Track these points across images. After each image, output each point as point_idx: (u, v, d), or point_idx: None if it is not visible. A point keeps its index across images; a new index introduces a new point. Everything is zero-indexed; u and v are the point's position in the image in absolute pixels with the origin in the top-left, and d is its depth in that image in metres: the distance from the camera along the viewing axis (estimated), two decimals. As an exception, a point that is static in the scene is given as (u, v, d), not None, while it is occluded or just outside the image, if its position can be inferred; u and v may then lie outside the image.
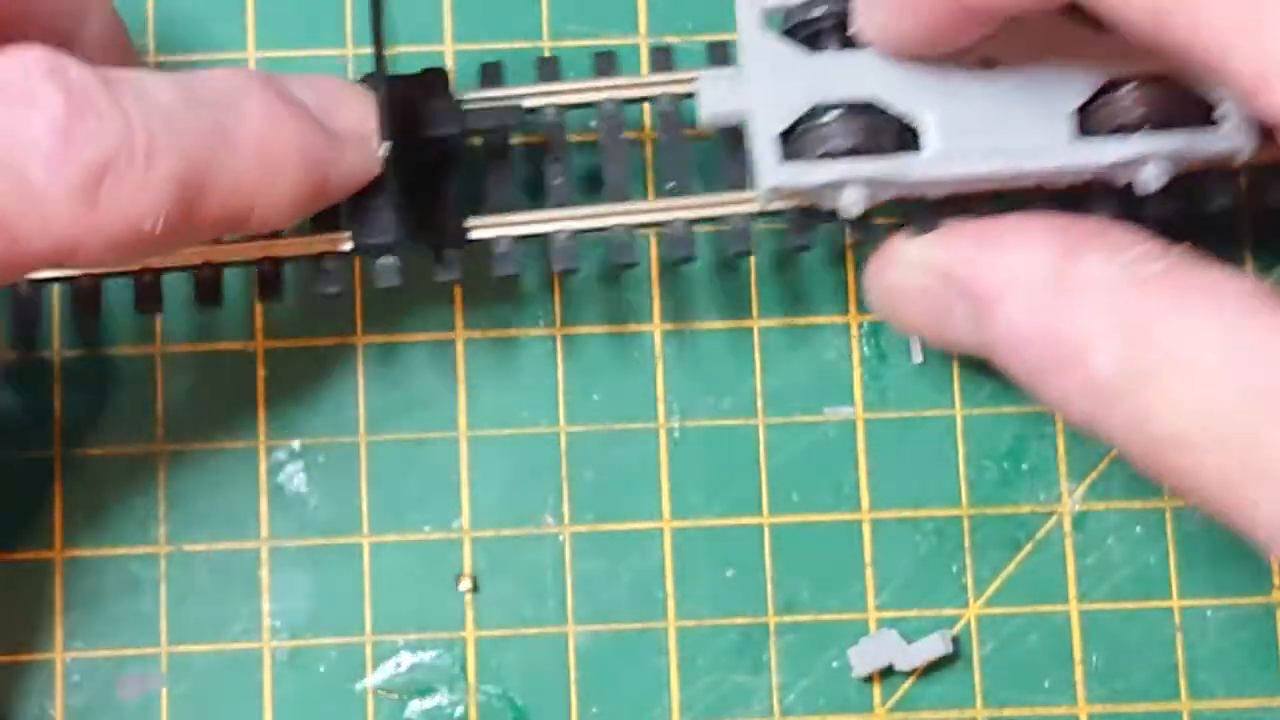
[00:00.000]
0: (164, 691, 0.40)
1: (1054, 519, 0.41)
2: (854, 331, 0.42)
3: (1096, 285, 0.34)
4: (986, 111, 0.37)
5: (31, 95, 0.32)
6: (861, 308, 0.41)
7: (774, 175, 0.37)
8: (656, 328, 0.42)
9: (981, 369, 0.41)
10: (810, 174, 0.37)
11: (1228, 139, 0.37)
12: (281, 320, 0.41)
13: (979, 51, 0.37)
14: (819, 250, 0.42)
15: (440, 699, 0.40)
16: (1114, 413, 0.34)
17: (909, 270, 0.38)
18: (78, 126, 0.32)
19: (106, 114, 0.33)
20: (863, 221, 0.38)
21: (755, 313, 0.42)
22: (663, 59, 0.40)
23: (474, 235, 0.39)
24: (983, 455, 0.41)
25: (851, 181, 0.37)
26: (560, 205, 0.39)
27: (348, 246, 0.39)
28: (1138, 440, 0.33)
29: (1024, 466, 0.41)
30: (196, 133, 0.34)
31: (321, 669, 0.40)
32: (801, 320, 0.42)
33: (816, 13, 0.38)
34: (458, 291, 0.42)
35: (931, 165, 0.37)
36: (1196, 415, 0.32)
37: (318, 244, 0.39)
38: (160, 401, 0.41)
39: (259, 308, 0.41)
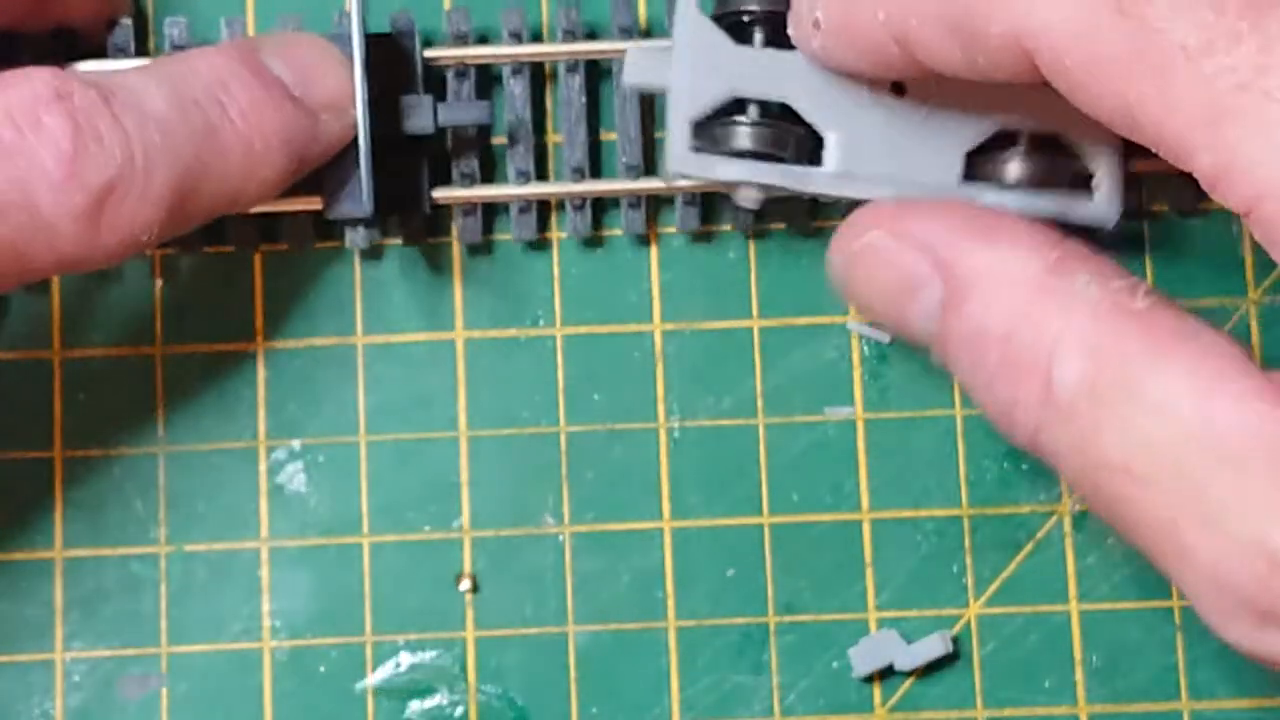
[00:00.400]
0: (164, 691, 0.40)
1: (1054, 519, 0.41)
2: (854, 331, 0.42)
3: (1078, 301, 0.34)
4: (887, 139, 0.39)
5: (38, 122, 0.33)
6: (861, 308, 0.41)
7: (681, 163, 0.39)
8: (656, 328, 0.42)
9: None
10: (714, 169, 0.39)
11: (1097, 208, 0.39)
12: (281, 320, 0.41)
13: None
14: (819, 250, 0.42)
15: (440, 699, 0.40)
16: (1063, 429, 0.34)
17: (887, 239, 0.37)
18: (83, 154, 0.34)
19: (109, 138, 0.34)
20: (760, 214, 0.41)
21: (755, 313, 0.42)
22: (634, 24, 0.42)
23: (440, 202, 0.41)
24: (983, 455, 0.41)
25: (750, 184, 0.39)
26: (522, 177, 0.41)
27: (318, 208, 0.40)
28: (1080, 461, 0.34)
29: (1024, 466, 0.41)
30: (188, 139, 0.35)
31: (321, 669, 0.40)
32: (801, 320, 0.42)
33: (749, 6, 0.39)
34: (458, 291, 0.42)
35: (827, 183, 0.39)
36: (1150, 451, 0.32)
37: (288, 206, 0.40)
38: (160, 401, 0.41)
39: (259, 307, 0.41)
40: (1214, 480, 0.31)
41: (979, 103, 0.39)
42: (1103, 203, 0.39)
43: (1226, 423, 0.32)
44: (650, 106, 0.42)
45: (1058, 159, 0.39)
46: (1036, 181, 0.39)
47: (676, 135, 0.39)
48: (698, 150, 0.39)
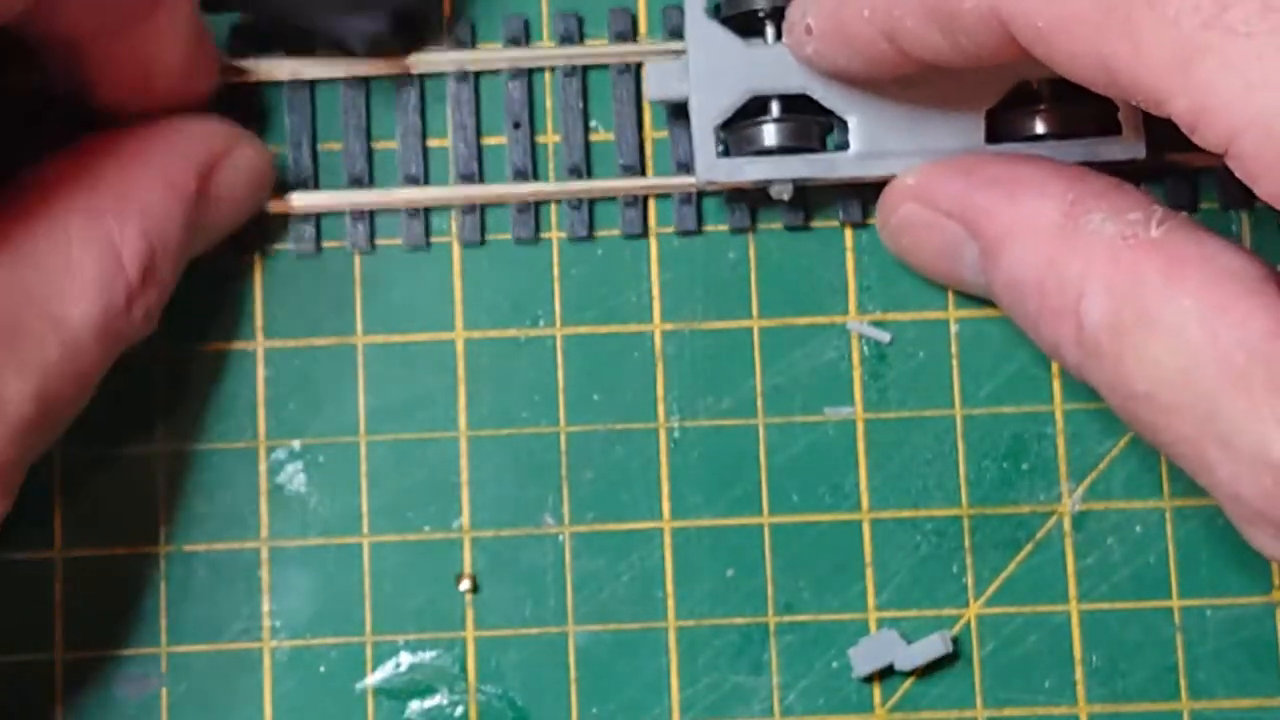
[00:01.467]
0: (164, 691, 0.40)
1: (1054, 519, 0.41)
2: (854, 331, 0.42)
3: (1095, 240, 0.35)
4: (906, 113, 0.40)
5: None
6: (861, 308, 0.41)
7: (709, 170, 0.40)
8: (656, 328, 0.42)
9: (981, 368, 0.41)
10: (742, 171, 0.40)
11: (1125, 145, 0.40)
12: (281, 320, 0.41)
13: None
14: (819, 250, 0.42)
15: (440, 699, 0.40)
16: (1099, 365, 0.35)
17: (918, 211, 0.39)
18: None
19: None
20: (796, 203, 0.41)
21: (755, 313, 0.42)
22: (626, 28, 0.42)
23: (438, 204, 0.42)
24: (983, 455, 0.41)
25: (781, 179, 0.40)
26: (520, 176, 0.42)
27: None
28: (1117, 394, 0.35)
29: (1024, 466, 0.41)
30: None
31: (321, 669, 0.40)
32: (801, 320, 0.42)
33: (758, 4, 0.40)
34: (457, 291, 0.42)
35: (854, 165, 0.40)
36: (1169, 379, 0.33)
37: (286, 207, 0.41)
38: (160, 403, 0.41)
39: (259, 307, 0.41)
40: (1223, 399, 0.32)
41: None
42: (1130, 137, 0.40)
43: (1230, 341, 0.32)
44: (645, 108, 0.42)
45: (1079, 104, 0.39)
46: (1061, 131, 0.40)
47: (702, 144, 0.40)
48: (725, 154, 0.40)
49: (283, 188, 0.41)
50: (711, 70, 0.40)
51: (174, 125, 0.39)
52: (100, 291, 0.36)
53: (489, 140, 0.42)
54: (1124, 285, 0.34)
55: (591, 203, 0.42)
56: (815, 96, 0.40)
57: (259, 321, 0.41)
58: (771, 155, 0.40)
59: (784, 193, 0.40)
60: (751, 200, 0.42)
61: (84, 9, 0.36)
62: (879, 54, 0.37)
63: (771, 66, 0.40)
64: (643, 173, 0.42)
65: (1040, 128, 0.40)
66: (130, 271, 0.37)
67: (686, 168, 0.42)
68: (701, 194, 0.42)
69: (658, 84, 0.40)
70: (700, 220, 0.42)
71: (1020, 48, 0.34)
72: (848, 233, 0.42)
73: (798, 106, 0.40)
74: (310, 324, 0.41)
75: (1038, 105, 0.40)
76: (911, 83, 0.39)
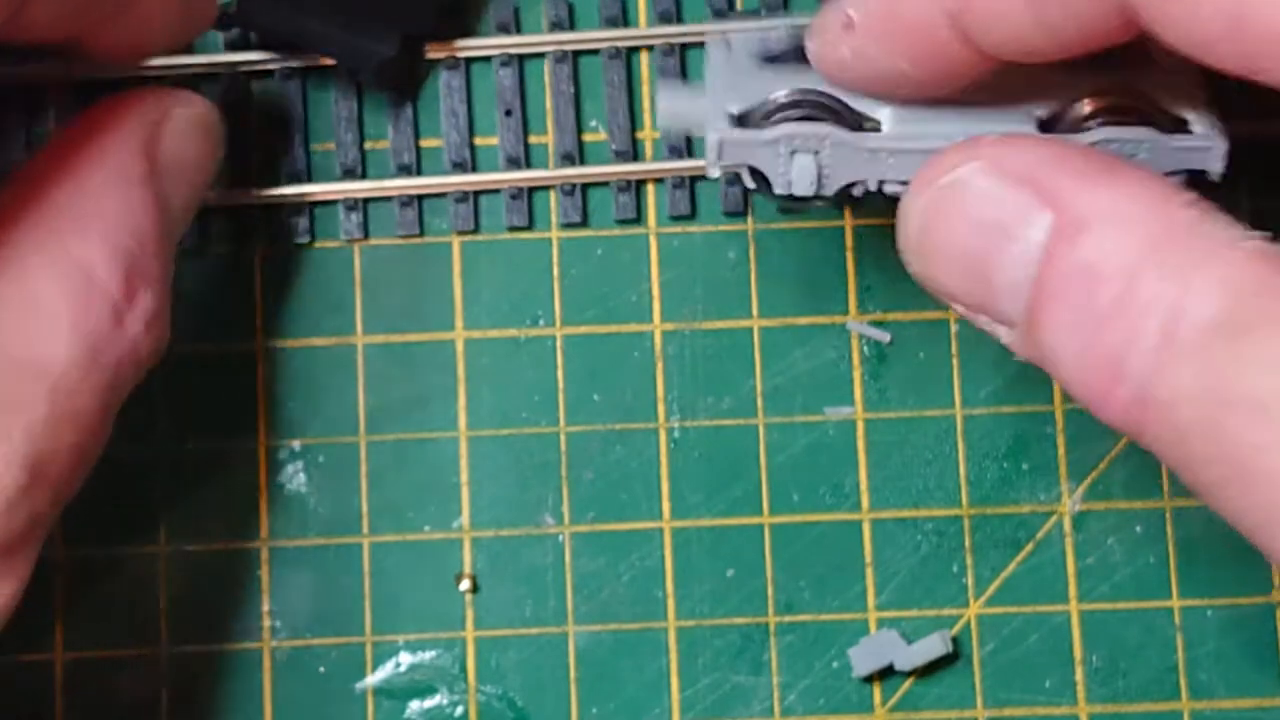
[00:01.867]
0: (164, 691, 0.40)
1: (1054, 519, 0.41)
2: (854, 331, 0.42)
3: (1213, 239, 0.29)
4: (944, 117, 0.35)
5: None
6: (861, 308, 0.41)
7: (723, 136, 0.35)
8: (656, 328, 0.42)
9: (981, 367, 0.41)
10: (757, 134, 0.35)
11: (1201, 160, 0.35)
12: (281, 320, 0.41)
13: None
14: (819, 250, 0.42)
15: (440, 699, 0.40)
16: (1188, 368, 0.29)
17: (983, 174, 0.32)
18: None
19: None
20: (811, 201, 0.36)
21: (755, 313, 0.42)
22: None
23: (433, 191, 0.42)
24: (983, 455, 0.41)
25: (802, 148, 0.35)
26: (513, 164, 0.42)
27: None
28: (1202, 408, 0.29)
29: (1024, 466, 0.41)
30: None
31: (321, 669, 0.40)
32: (801, 320, 0.42)
33: (776, 49, 0.36)
34: (457, 291, 0.42)
35: (884, 140, 0.35)
36: None
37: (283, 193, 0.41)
38: (160, 402, 0.41)
39: (259, 307, 0.41)
40: None
41: (1046, 88, 0.35)
42: (1209, 153, 0.35)
43: None
44: (636, 93, 0.42)
45: (1141, 115, 0.35)
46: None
47: (715, 123, 0.35)
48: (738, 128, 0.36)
49: (276, 180, 0.41)
50: (727, 89, 0.36)
51: (101, 113, 0.36)
52: (76, 320, 0.33)
53: (481, 140, 0.42)
54: (1248, 284, 0.29)
55: (585, 188, 0.42)
56: (843, 98, 0.35)
57: (259, 321, 0.41)
58: (789, 123, 0.35)
59: (804, 177, 0.35)
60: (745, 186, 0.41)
61: (54, 20, 0.34)
62: (936, 45, 0.32)
63: (795, 78, 0.35)
64: (635, 158, 0.42)
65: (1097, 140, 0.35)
66: (109, 283, 0.34)
67: (678, 152, 0.42)
68: (695, 179, 0.41)
69: (667, 111, 0.36)
70: (694, 205, 0.41)
71: (1122, 24, 0.30)
72: (848, 232, 0.42)
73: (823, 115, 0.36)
74: (309, 324, 0.41)
75: (1095, 117, 0.35)
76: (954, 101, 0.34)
